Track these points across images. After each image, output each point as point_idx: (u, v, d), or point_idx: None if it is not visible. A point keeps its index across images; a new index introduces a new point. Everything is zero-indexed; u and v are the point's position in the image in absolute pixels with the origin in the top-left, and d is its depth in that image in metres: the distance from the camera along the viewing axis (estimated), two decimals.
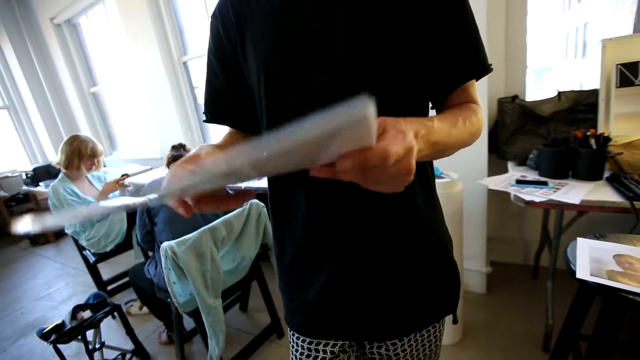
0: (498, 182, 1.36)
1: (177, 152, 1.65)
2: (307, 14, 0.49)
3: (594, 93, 1.46)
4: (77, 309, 1.47)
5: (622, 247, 0.91)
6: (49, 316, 2.30)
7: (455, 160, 1.05)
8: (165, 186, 0.28)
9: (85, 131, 3.84)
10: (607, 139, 1.25)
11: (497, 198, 1.84)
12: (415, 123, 0.36)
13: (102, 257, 2.11)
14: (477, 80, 0.53)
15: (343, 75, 0.48)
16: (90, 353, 1.42)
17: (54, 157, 2.09)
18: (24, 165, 4.23)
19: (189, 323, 1.80)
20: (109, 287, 2.38)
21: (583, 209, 1.14)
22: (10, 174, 3.98)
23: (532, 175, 1.38)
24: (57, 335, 1.34)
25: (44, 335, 1.36)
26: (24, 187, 3.80)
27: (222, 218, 1.44)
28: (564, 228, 1.36)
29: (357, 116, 0.23)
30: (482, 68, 0.52)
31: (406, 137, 0.31)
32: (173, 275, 1.29)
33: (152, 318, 1.97)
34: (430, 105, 0.57)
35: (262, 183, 1.85)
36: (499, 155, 1.69)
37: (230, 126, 0.62)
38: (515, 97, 1.68)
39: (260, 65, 0.52)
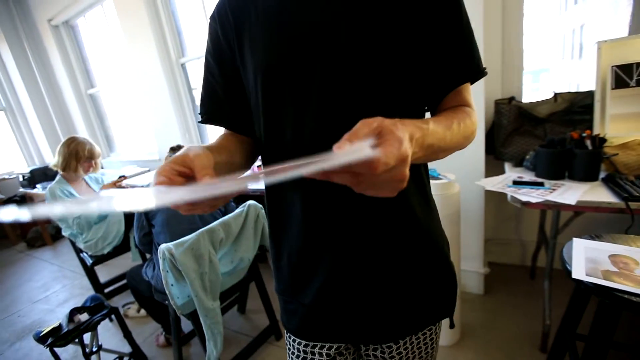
0: (495, 183, 1.36)
1: (175, 154, 1.65)
2: (305, 15, 0.49)
3: (590, 94, 1.47)
4: (74, 311, 1.47)
5: (617, 247, 0.92)
6: (45, 319, 2.29)
7: (452, 162, 1.06)
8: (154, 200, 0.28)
9: (82, 133, 3.83)
10: (603, 140, 1.26)
11: (494, 199, 1.85)
12: (411, 125, 0.36)
13: (100, 259, 2.10)
14: (471, 83, 0.54)
15: (341, 75, 0.48)
16: (87, 356, 1.41)
17: (51, 159, 2.08)
18: (21, 167, 4.22)
19: (187, 325, 1.80)
20: (107, 290, 2.37)
21: (579, 209, 1.14)
22: (7, 176, 3.96)
23: (528, 176, 1.39)
24: (54, 338, 1.34)
25: (41, 339, 1.35)
26: (21, 189, 3.78)
27: (220, 220, 1.44)
28: (561, 228, 1.37)
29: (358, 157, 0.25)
30: (476, 72, 0.53)
31: (401, 145, 0.31)
32: (171, 277, 1.28)
33: (150, 320, 1.96)
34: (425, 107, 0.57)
35: (260, 185, 1.85)
36: (496, 157, 1.70)
37: (225, 127, 0.62)
38: (512, 98, 1.69)
39: (258, 66, 0.52)
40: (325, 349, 0.62)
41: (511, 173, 1.48)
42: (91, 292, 2.34)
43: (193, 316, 1.38)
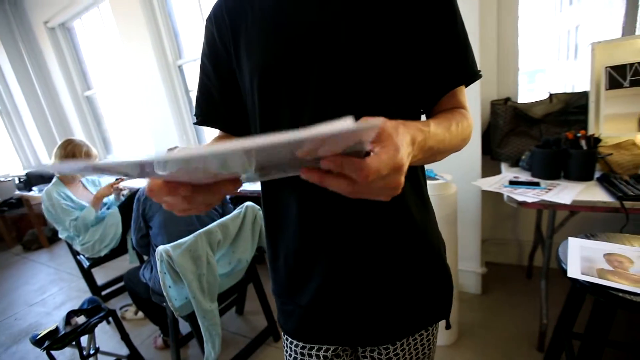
0: (492, 184, 1.37)
1: None
2: (301, 16, 0.49)
3: (585, 95, 1.49)
4: (71, 314, 1.46)
5: (612, 246, 0.93)
6: (42, 322, 2.28)
7: (449, 162, 1.07)
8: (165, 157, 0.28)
9: (79, 135, 3.81)
10: (597, 140, 1.27)
11: (491, 199, 1.86)
12: (413, 128, 0.36)
13: (97, 261, 2.10)
14: (466, 86, 0.54)
15: (337, 76, 0.49)
16: (84, 359, 1.40)
17: (48, 162, 2.07)
18: (17, 170, 4.19)
19: (184, 327, 1.79)
20: (104, 292, 2.36)
21: (574, 209, 1.15)
22: (2, 179, 3.94)
23: (524, 176, 1.40)
24: (51, 341, 1.33)
25: (38, 342, 1.34)
26: (17, 192, 3.75)
27: (218, 221, 1.44)
28: (557, 228, 1.38)
29: (347, 127, 0.24)
30: (471, 75, 0.53)
31: (397, 153, 0.30)
32: (169, 279, 1.28)
33: (148, 323, 1.95)
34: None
35: (258, 186, 1.85)
36: (493, 157, 1.71)
37: (220, 129, 0.62)
38: (507, 99, 1.70)
39: (254, 67, 0.52)
40: (322, 351, 0.62)
41: (507, 173, 1.49)
42: (88, 294, 2.32)
43: (191, 318, 1.38)
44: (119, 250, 2.14)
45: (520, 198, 1.19)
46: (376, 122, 0.25)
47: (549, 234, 1.39)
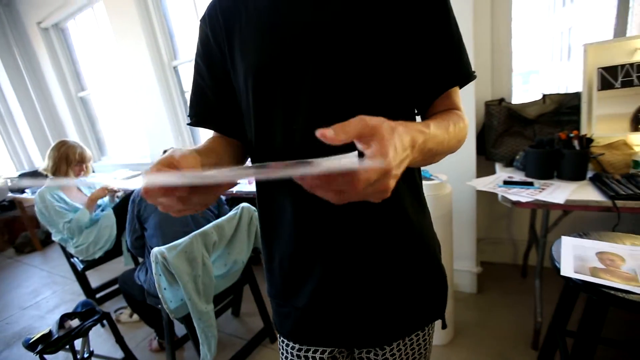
0: (486, 184, 1.38)
1: (161, 157, 1.64)
2: (296, 17, 0.50)
3: (577, 96, 1.50)
4: (65, 317, 1.44)
5: (604, 245, 0.94)
6: (35, 326, 2.25)
7: (444, 163, 1.07)
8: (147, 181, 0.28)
9: (73, 136, 3.78)
10: (590, 140, 1.29)
11: (485, 199, 1.87)
12: (414, 129, 0.36)
13: (91, 264, 2.08)
14: (460, 87, 0.55)
15: (332, 77, 0.49)
16: None
17: (41, 163, 2.05)
18: (10, 172, 4.14)
19: (180, 329, 1.78)
20: (98, 295, 2.34)
21: (568, 208, 1.17)
22: None
23: (519, 176, 1.41)
24: (44, 345, 1.31)
25: (30, 346, 1.32)
26: (10, 194, 3.71)
27: (214, 222, 1.43)
28: (550, 227, 1.40)
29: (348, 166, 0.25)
30: (465, 75, 0.53)
31: (387, 157, 0.30)
32: (164, 281, 1.27)
33: (143, 325, 1.94)
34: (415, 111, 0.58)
35: (253, 187, 1.85)
36: (487, 157, 1.72)
37: (214, 130, 0.61)
38: (501, 100, 1.72)
39: (249, 67, 0.52)
40: (318, 352, 0.61)
41: (502, 173, 1.51)
42: (82, 297, 2.30)
43: (186, 320, 1.37)
44: (113, 252, 2.12)
45: (514, 198, 1.20)
46: (380, 162, 0.25)
47: (542, 233, 1.40)
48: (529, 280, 1.87)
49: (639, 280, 0.77)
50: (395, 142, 0.31)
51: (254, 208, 1.58)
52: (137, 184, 0.25)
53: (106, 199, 2.15)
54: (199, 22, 0.60)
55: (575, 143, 1.28)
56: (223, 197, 1.85)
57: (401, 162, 0.33)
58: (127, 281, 1.65)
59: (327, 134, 0.29)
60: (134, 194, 1.56)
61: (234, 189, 1.88)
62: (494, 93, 1.80)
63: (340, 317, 0.58)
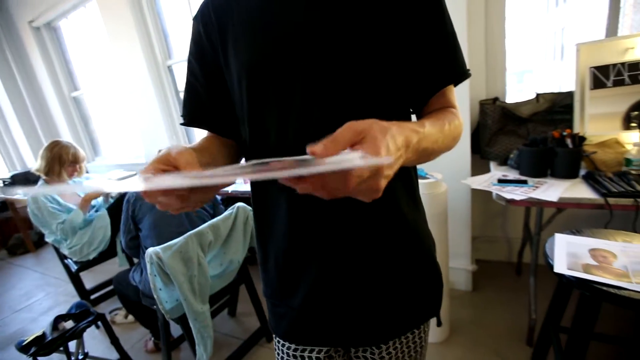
0: (481, 182, 1.39)
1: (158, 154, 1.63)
2: (288, 15, 0.49)
3: (570, 95, 1.52)
4: (59, 319, 1.43)
5: (596, 242, 0.95)
6: (28, 328, 2.22)
7: (439, 161, 1.07)
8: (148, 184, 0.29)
9: (66, 136, 3.73)
10: (582, 139, 1.30)
11: (480, 197, 1.88)
12: (408, 130, 0.36)
13: (85, 265, 2.06)
14: (455, 85, 0.55)
15: (325, 76, 0.49)
16: None
17: (33, 164, 2.02)
18: (1, 172, 4.08)
19: (176, 330, 1.77)
20: (93, 296, 2.32)
21: (561, 206, 1.18)
22: None
23: (513, 175, 1.43)
24: (37, 347, 1.30)
25: (23, 348, 1.31)
26: (1, 195, 3.66)
27: (209, 222, 1.42)
28: (544, 225, 1.41)
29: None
30: (460, 74, 0.54)
31: (378, 156, 0.30)
32: (159, 281, 1.26)
33: (138, 326, 1.92)
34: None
35: (249, 187, 1.84)
36: (482, 156, 1.74)
37: (207, 130, 0.61)
38: (496, 99, 1.73)
39: (242, 65, 0.52)
40: (314, 352, 0.61)
41: (496, 172, 1.52)
42: (76, 299, 2.27)
43: (182, 320, 1.36)
44: (107, 253, 2.11)
45: (508, 196, 1.21)
46: (375, 160, 0.25)
47: (536, 231, 1.41)
48: (523, 277, 1.89)
49: (631, 277, 0.78)
50: (388, 142, 0.31)
51: (249, 208, 1.57)
52: (138, 188, 0.25)
53: (100, 199, 2.13)
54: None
55: (568, 141, 1.29)
56: (219, 197, 1.84)
57: (394, 162, 0.33)
58: (121, 282, 1.64)
59: (317, 150, 0.29)
60: (129, 194, 1.54)
61: (230, 189, 1.87)
62: (488, 92, 1.82)
63: (336, 316, 0.58)
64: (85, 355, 1.44)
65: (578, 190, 1.18)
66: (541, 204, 1.17)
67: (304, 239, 0.54)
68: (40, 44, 3.44)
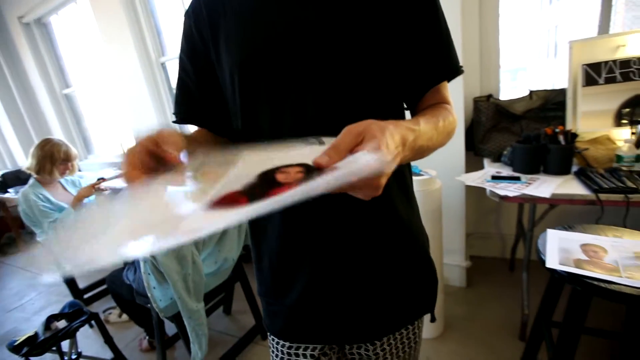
0: (475, 179, 1.40)
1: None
2: (281, 11, 0.49)
3: (563, 92, 1.53)
4: (51, 319, 1.42)
5: (588, 237, 0.96)
6: (21, 328, 2.20)
7: (433, 158, 1.07)
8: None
9: (58, 134, 3.68)
10: (575, 136, 1.32)
11: (474, 194, 1.90)
12: (403, 128, 0.36)
13: None
14: (448, 81, 0.55)
15: (318, 72, 0.48)
16: None
17: (24, 162, 1.99)
18: None
19: (171, 328, 1.76)
20: (86, 296, 2.30)
21: (553, 202, 1.19)
22: None
23: (506, 171, 1.44)
24: (30, 347, 1.29)
25: (15, 348, 1.29)
26: None
27: None
28: (537, 221, 1.42)
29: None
30: (453, 70, 0.54)
31: (380, 154, 0.30)
32: (153, 280, 1.26)
33: (132, 325, 1.91)
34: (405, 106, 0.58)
35: None
36: (476, 153, 1.75)
37: (200, 127, 0.61)
38: (489, 96, 1.74)
39: (234, 62, 0.51)
40: (309, 350, 0.61)
41: (490, 168, 1.53)
42: (69, 298, 2.25)
43: (177, 318, 1.36)
44: None
45: (502, 192, 1.22)
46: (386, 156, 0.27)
47: (529, 227, 1.43)
48: (516, 273, 1.91)
49: (621, 271, 0.79)
50: (387, 140, 0.32)
51: None
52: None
53: (92, 197, 2.11)
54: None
55: (561, 138, 1.31)
56: None
57: (392, 160, 0.33)
58: (115, 281, 1.63)
59: (322, 162, 0.29)
60: (122, 192, 1.53)
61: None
62: (482, 89, 1.82)
63: (330, 313, 0.58)
64: (79, 354, 1.43)
65: (570, 186, 1.19)
66: (534, 200, 1.18)
67: (297, 240, 0.54)
68: (30, 40, 3.38)
